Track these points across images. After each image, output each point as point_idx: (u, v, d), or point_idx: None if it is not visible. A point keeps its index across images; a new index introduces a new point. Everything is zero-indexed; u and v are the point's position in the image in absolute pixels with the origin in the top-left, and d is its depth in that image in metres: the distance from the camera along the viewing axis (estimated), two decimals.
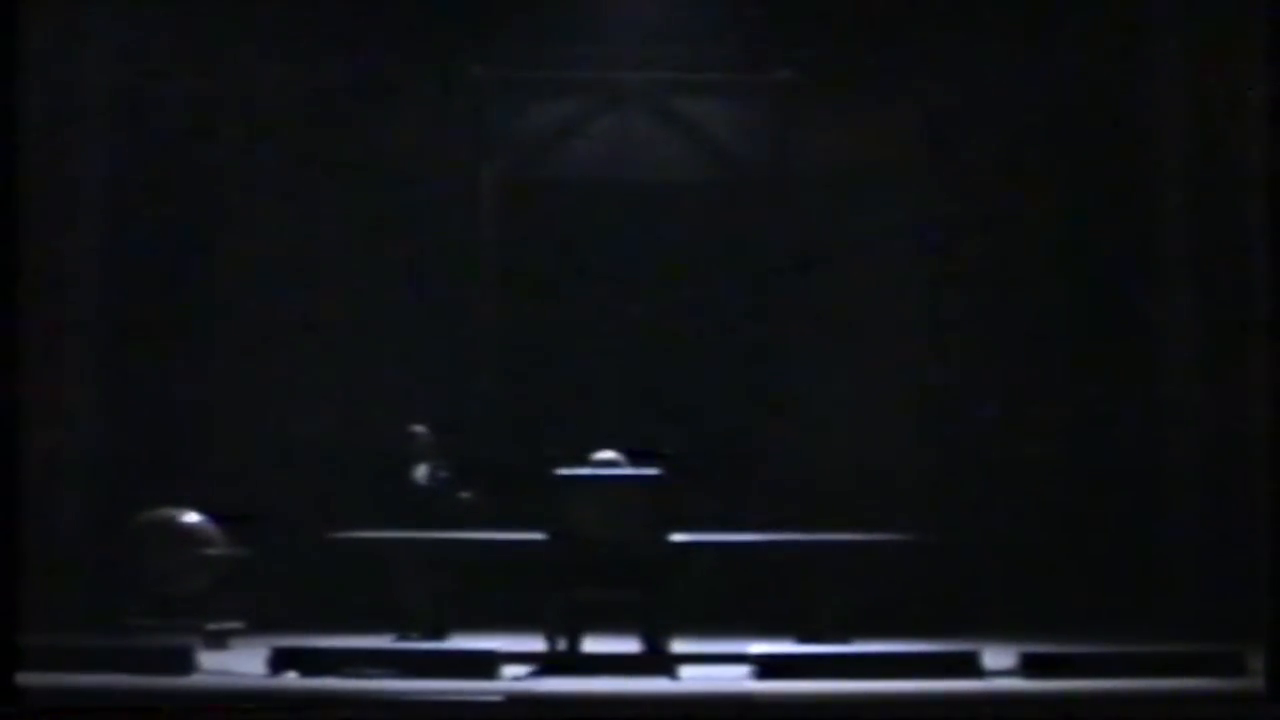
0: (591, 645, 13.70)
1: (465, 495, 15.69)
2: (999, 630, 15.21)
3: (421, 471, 15.77)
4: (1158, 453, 17.27)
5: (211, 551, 15.29)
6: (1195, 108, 16.81)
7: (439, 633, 14.64)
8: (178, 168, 17.46)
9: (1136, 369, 17.43)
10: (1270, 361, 9.17)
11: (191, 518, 15.39)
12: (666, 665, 13.27)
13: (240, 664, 13.30)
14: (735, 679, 12.79)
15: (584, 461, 14.22)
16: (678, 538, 13.71)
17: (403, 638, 14.62)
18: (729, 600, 16.01)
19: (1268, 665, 8.95)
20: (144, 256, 17.30)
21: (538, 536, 13.76)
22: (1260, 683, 9.41)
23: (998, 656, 13.06)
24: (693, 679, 13.00)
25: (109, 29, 17.11)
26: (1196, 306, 16.86)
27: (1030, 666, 12.82)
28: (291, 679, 12.62)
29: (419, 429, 15.92)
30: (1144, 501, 17.17)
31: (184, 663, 12.80)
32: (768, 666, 12.79)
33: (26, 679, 9.75)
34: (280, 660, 12.83)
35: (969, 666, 12.81)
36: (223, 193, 17.87)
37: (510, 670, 12.88)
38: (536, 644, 13.65)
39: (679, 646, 13.65)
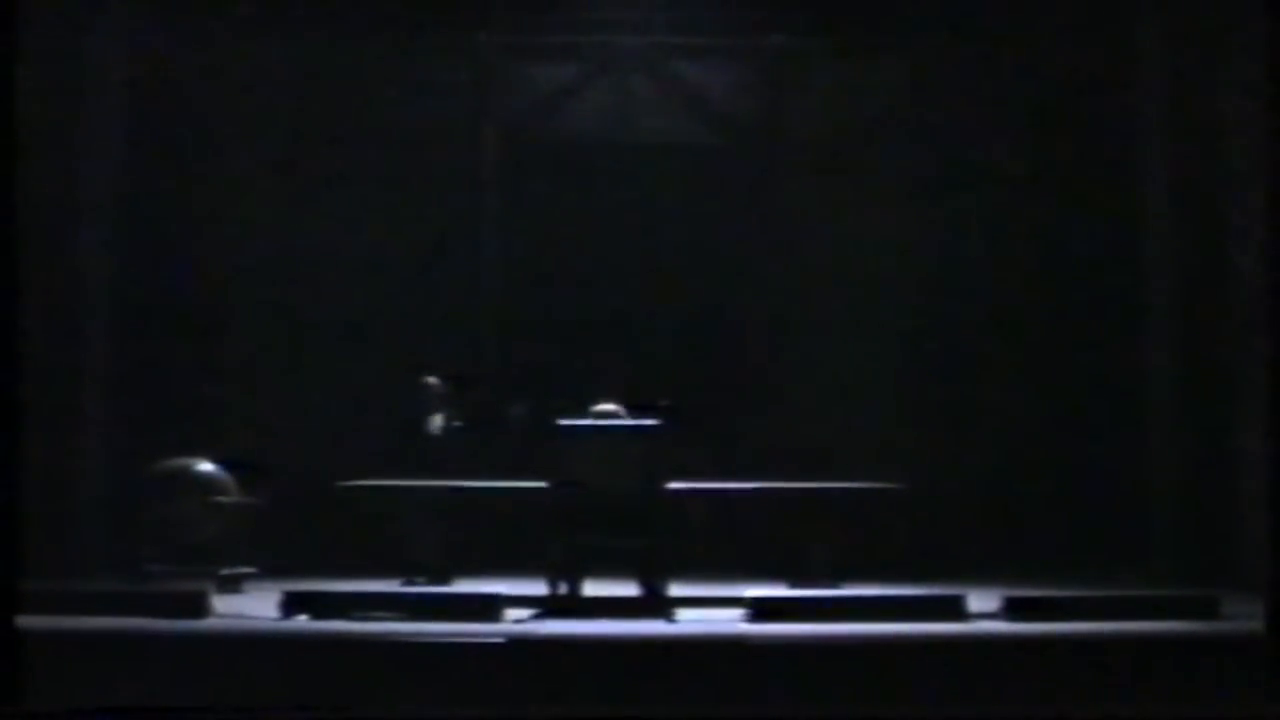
0: (592, 589, 13.92)
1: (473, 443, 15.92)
2: (984, 574, 15.48)
3: (436, 422, 16.02)
4: (1137, 403, 17.45)
5: (225, 499, 15.45)
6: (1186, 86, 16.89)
7: (444, 577, 14.94)
8: (179, 138, 17.65)
9: (1118, 319, 17.56)
10: (1269, 340, 9.39)
11: (206, 466, 15.57)
12: (664, 608, 13.50)
13: (253, 608, 13.60)
14: (730, 621, 13.06)
15: (585, 413, 14.47)
16: (675, 486, 13.90)
17: (409, 582, 14.92)
18: (724, 546, 16.30)
19: (1268, 610, 9.23)
20: (154, 218, 17.51)
21: (540, 485, 13.99)
22: (1259, 625, 9.64)
23: (982, 600, 13.34)
24: (689, 622, 13.25)
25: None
26: (1180, 251, 16.99)
27: (1014, 609, 13.08)
28: (302, 622, 12.93)
29: (431, 380, 16.18)
30: (1124, 451, 17.34)
31: (198, 607, 13.10)
32: (761, 609, 13.07)
33: (45, 622, 9.73)
34: (291, 604, 13.14)
35: (954, 609, 13.10)
36: (231, 158, 18.07)
37: (513, 613, 13.14)
38: (539, 588, 13.86)
39: (676, 590, 13.84)
